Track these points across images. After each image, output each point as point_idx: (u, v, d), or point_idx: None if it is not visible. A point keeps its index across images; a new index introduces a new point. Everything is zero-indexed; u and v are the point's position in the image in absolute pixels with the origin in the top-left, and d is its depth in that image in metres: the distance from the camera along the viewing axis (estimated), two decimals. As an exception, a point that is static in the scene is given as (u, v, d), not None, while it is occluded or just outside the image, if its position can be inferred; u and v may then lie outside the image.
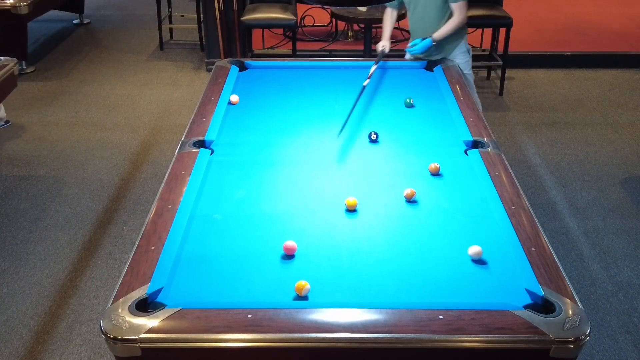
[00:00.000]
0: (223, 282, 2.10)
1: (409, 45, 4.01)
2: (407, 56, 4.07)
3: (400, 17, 5.68)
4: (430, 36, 3.91)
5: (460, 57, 4.08)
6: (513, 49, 5.71)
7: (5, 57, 4.47)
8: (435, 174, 2.74)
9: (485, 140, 2.95)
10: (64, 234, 3.78)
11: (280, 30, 6.45)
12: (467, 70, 4.13)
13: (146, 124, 5.18)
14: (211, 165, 2.80)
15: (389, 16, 4.24)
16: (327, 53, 6.17)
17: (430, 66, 3.88)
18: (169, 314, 1.87)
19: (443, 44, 3.97)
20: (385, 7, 4.26)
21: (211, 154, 2.89)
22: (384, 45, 4.06)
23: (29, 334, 3.06)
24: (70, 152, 4.72)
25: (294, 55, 5.53)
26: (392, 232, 2.35)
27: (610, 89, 5.85)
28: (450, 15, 3.94)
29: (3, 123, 5.10)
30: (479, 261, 2.20)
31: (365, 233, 2.35)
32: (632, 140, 4.92)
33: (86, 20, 7.65)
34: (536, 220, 2.38)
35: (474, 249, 2.21)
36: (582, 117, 5.29)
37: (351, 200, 2.48)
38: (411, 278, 2.12)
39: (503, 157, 2.82)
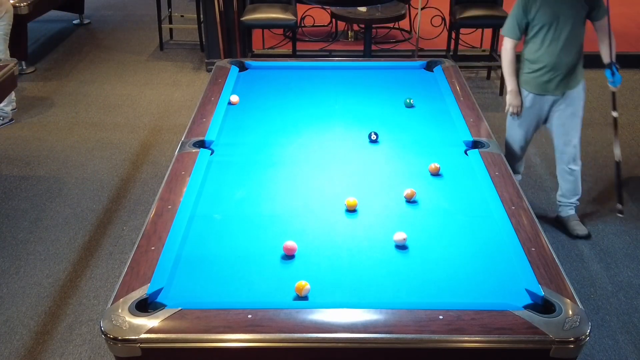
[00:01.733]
0: (223, 282, 2.10)
1: (610, 79, 3.51)
2: (616, 82, 3.53)
3: (400, 16, 5.71)
4: (612, 62, 3.48)
5: (582, 97, 3.59)
6: (513, 49, 5.70)
7: (5, 57, 4.48)
8: (435, 174, 2.74)
9: (485, 140, 2.95)
10: (64, 234, 3.78)
11: (280, 31, 6.45)
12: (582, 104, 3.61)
13: (146, 124, 5.18)
14: (211, 166, 2.80)
15: (512, 55, 3.55)
16: (327, 53, 6.17)
17: (430, 66, 3.88)
18: (169, 314, 1.87)
19: (577, 72, 3.51)
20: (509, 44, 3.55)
21: (211, 154, 2.89)
22: (516, 103, 3.57)
23: (29, 334, 3.06)
24: (70, 152, 4.72)
25: (294, 55, 5.54)
26: (392, 232, 2.35)
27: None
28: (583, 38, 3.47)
29: (7, 121, 5.11)
30: (478, 261, 2.20)
31: (365, 233, 2.35)
32: (632, 140, 4.91)
33: (86, 21, 7.64)
34: (536, 220, 2.38)
35: (398, 235, 2.25)
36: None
37: (351, 200, 2.48)
38: (411, 278, 2.12)
39: (503, 157, 2.83)
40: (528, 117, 3.64)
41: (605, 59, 3.49)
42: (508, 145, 3.81)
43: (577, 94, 3.53)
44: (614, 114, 3.46)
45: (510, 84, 3.58)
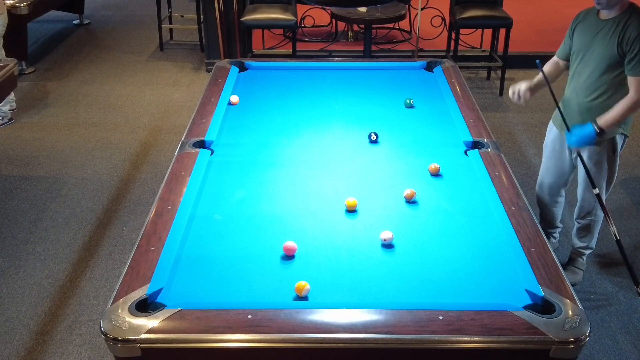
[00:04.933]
0: (223, 283, 2.10)
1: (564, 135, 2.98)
2: (571, 143, 3.00)
3: (400, 17, 5.71)
4: (594, 121, 2.83)
5: (596, 158, 3.03)
6: (513, 49, 5.71)
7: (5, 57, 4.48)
8: (435, 174, 2.74)
9: (485, 140, 2.95)
10: (63, 235, 3.78)
11: (280, 31, 6.45)
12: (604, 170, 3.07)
13: (146, 124, 5.18)
14: (211, 166, 2.80)
15: (552, 65, 3.19)
16: (327, 54, 6.17)
17: (430, 66, 3.88)
18: (168, 315, 1.87)
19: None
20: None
21: (211, 154, 2.89)
22: (519, 89, 3.05)
23: (29, 335, 3.06)
24: (70, 153, 4.72)
25: (294, 55, 5.53)
26: (392, 232, 2.35)
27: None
28: (618, 89, 2.86)
29: (7, 121, 5.11)
30: (478, 261, 2.20)
31: (365, 233, 2.35)
32: (632, 140, 4.91)
33: (86, 21, 7.65)
34: (536, 220, 2.38)
35: (385, 234, 2.26)
36: (582, 118, 5.28)
37: (351, 200, 2.48)
38: (411, 278, 2.12)
39: (503, 157, 2.83)
40: (548, 154, 3.31)
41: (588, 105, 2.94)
42: (537, 195, 3.49)
43: (591, 152, 3.02)
44: (595, 190, 3.01)
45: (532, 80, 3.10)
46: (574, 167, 3.26)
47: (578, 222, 3.34)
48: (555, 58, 3.19)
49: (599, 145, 2.96)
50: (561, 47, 3.14)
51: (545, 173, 3.39)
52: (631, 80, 2.78)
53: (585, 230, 3.33)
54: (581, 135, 2.88)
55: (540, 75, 3.09)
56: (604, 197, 3.14)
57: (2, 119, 5.09)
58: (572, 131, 2.93)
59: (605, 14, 2.88)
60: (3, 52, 5.14)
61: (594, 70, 2.90)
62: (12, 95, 5.10)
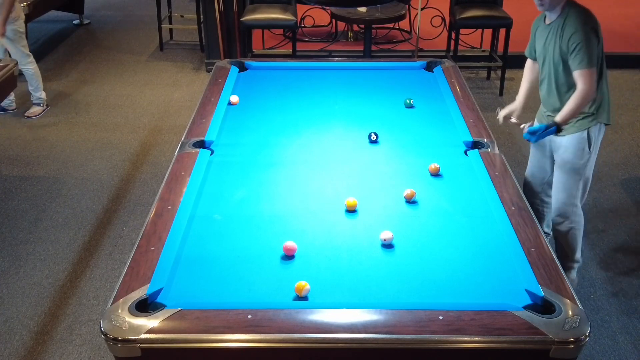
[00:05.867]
0: (223, 283, 2.10)
1: (526, 128, 3.01)
2: (525, 136, 3.01)
3: (400, 17, 5.71)
4: (554, 121, 2.89)
5: (571, 150, 2.99)
6: (513, 49, 5.69)
7: (5, 57, 4.48)
8: (435, 174, 2.74)
9: (485, 140, 2.95)
10: (63, 235, 3.78)
11: (280, 31, 6.45)
12: (574, 170, 3.03)
13: (146, 124, 5.18)
14: (211, 166, 2.80)
15: (529, 70, 3.26)
16: (327, 54, 6.17)
17: (430, 66, 3.88)
18: (168, 315, 1.87)
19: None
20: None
21: (211, 154, 2.89)
22: (510, 109, 3.28)
23: (29, 335, 3.06)
24: (70, 153, 4.72)
25: (293, 55, 5.53)
26: (392, 232, 2.35)
27: (610, 89, 5.83)
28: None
29: (45, 107, 5.33)
30: (478, 261, 2.20)
31: (365, 233, 2.35)
32: (632, 140, 4.91)
33: (86, 21, 7.65)
34: (536, 220, 2.38)
35: (385, 234, 2.26)
36: (582, 118, 5.28)
37: (351, 200, 2.48)
38: (411, 278, 2.12)
39: (503, 157, 2.83)
40: (533, 150, 3.34)
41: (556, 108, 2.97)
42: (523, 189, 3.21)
43: (566, 145, 3.01)
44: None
45: (518, 95, 3.31)
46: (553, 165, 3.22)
47: (556, 230, 3.18)
48: (528, 61, 3.24)
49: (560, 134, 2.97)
50: (528, 48, 3.18)
51: (529, 165, 3.41)
52: (576, 74, 2.81)
53: (563, 239, 3.16)
54: (546, 134, 2.93)
55: (524, 87, 3.27)
56: (583, 199, 3.15)
57: (42, 105, 5.29)
58: (535, 130, 2.93)
59: (549, 17, 2.93)
60: (27, 48, 5.12)
61: (553, 73, 2.95)
62: (40, 83, 5.25)
